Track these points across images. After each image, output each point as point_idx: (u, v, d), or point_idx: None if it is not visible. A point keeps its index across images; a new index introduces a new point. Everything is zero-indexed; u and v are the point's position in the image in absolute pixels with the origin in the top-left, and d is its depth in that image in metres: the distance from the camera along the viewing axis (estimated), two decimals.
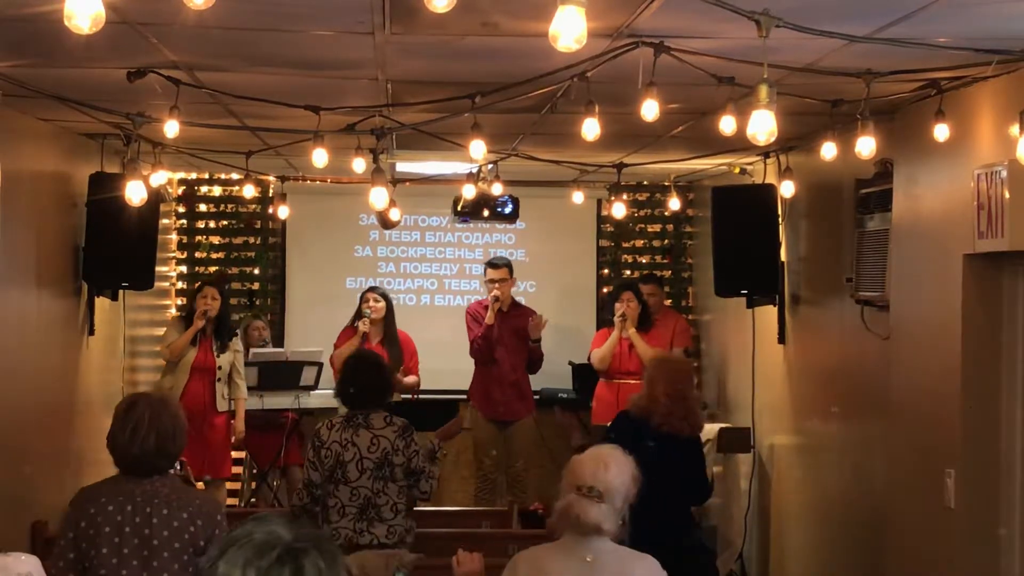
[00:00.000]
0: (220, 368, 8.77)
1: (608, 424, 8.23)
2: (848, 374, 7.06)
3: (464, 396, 9.51)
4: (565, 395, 10.33)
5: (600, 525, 3.97)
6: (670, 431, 6.36)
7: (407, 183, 10.07)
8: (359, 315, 9.15)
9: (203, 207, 10.98)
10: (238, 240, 10.98)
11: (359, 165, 6.63)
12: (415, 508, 6.27)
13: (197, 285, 9.30)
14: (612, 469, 4.04)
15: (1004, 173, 4.78)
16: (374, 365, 6.24)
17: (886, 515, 6.22)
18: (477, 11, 4.12)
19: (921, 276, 5.78)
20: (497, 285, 9.31)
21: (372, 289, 9.41)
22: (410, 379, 9.23)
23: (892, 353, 6.13)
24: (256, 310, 10.59)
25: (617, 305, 9.20)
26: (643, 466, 6.26)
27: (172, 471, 6.28)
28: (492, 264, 9.49)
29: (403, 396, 9.27)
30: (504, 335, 9.30)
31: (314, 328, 10.42)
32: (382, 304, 9.19)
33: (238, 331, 9.25)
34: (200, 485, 8.74)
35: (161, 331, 9.79)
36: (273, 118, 6.34)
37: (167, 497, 4.32)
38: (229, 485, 9.62)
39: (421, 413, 8.77)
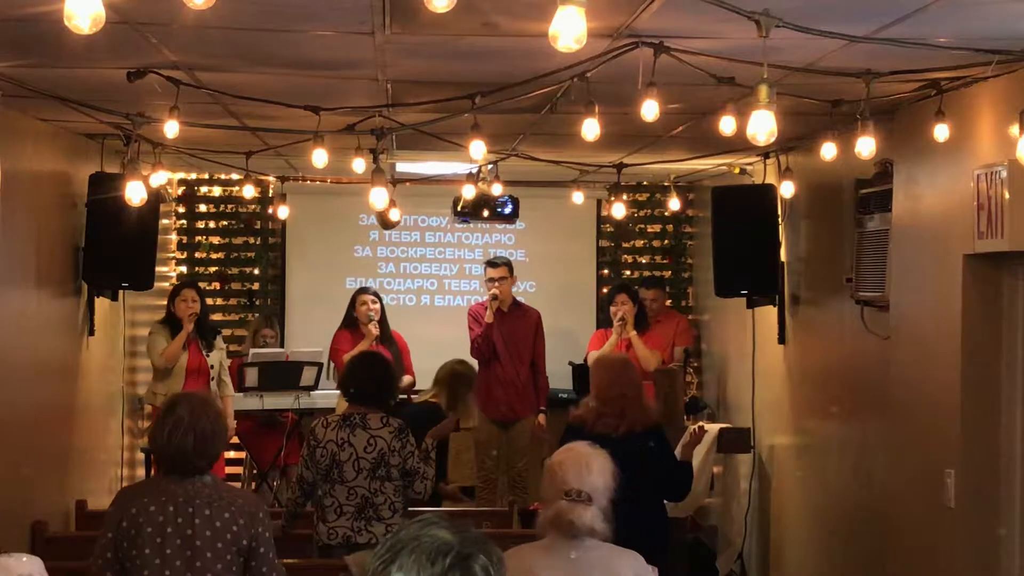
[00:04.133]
0: (213, 367, 8.75)
1: None
2: (848, 374, 7.06)
3: None
4: (565, 395, 10.32)
5: (593, 527, 3.97)
6: (605, 431, 6.21)
7: (407, 183, 10.08)
8: (352, 318, 9.14)
9: (203, 207, 10.98)
10: (238, 240, 10.98)
11: (359, 165, 6.63)
12: (415, 508, 6.25)
13: (172, 288, 9.23)
14: (595, 469, 4.02)
15: (1004, 173, 4.78)
16: (380, 365, 6.26)
17: (886, 515, 6.22)
18: (477, 11, 4.12)
19: (921, 276, 5.78)
20: (496, 284, 9.32)
21: (365, 291, 9.38)
22: (407, 379, 9.25)
23: (892, 353, 6.13)
24: (268, 311, 10.58)
25: (613, 308, 9.18)
26: None
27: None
28: (491, 263, 9.50)
29: (400, 396, 9.29)
30: (505, 335, 9.31)
31: (314, 328, 10.41)
32: (378, 305, 9.21)
33: (220, 330, 9.21)
34: None
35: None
36: (273, 118, 6.34)
37: (209, 497, 4.32)
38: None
39: (421, 414, 8.78)
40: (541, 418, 9.37)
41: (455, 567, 2.06)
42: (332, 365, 9.20)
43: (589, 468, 4.02)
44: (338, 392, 7.32)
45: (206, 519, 4.29)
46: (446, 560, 2.06)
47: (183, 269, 10.89)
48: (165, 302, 10.57)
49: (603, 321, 9.90)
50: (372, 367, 6.25)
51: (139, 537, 4.26)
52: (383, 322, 9.20)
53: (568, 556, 3.97)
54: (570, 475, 4.01)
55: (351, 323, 9.17)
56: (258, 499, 4.57)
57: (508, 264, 9.48)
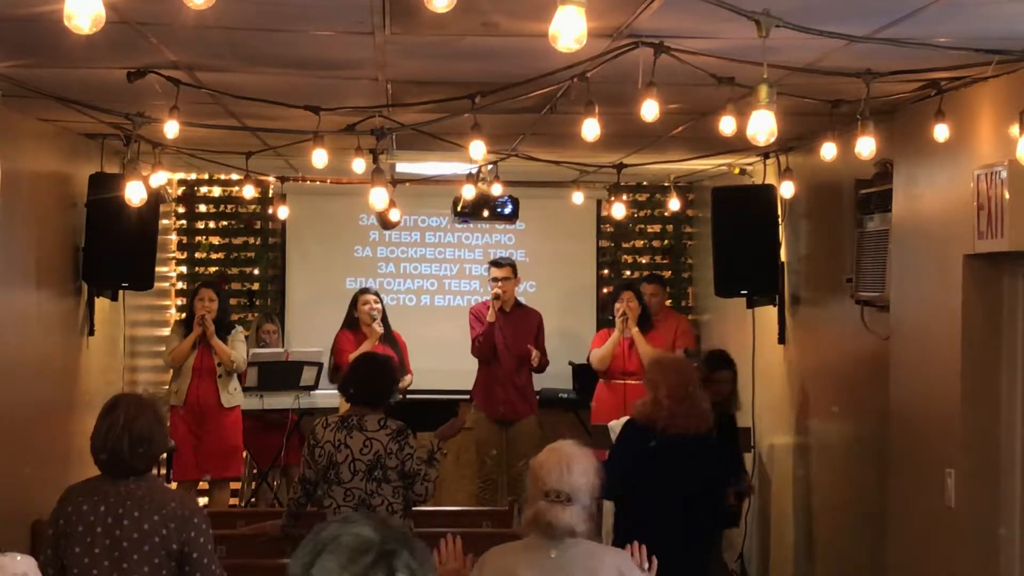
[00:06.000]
0: (220, 366, 8.77)
1: (607, 424, 8.23)
2: (848, 374, 7.06)
3: (465, 396, 9.51)
4: (565, 395, 10.33)
5: (573, 528, 3.95)
6: (677, 432, 6.28)
7: (407, 183, 10.08)
8: (353, 319, 9.13)
9: (203, 207, 10.98)
10: (238, 240, 10.98)
11: (359, 165, 6.63)
12: (415, 508, 6.25)
13: (195, 286, 9.29)
14: (576, 469, 4.00)
15: (1004, 173, 4.78)
16: (382, 367, 6.24)
17: (886, 515, 6.22)
18: (477, 11, 4.12)
19: (921, 276, 5.78)
20: (500, 284, 9.33)
21: (366, 291, 9.38)
22: (406, 379, 9.25)
23: (892, 353, 6.13)
24: (267, 310, 10.58)
25: (617, 305, 9.18)
26: (652, 470, 6.23)
27: None
28: (495, 263, 9.52)
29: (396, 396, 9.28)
30: (506, 335, 9.31)
31: (314, 328, 10.41)
32: (380, 305, 9.20)
33: (236, 327, 9.22)
34: (204, 484, 8.75)
35: (160, 331, 9.80)
36: (273, 118, 6.34)
37: (140, 499, 4.31)
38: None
39: (421, 413, 8.78)
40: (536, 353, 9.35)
41: (377, 564, 2.03)
42: (334, 365, 9.17)
43: (570, 468, 3.99)
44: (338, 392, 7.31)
45: (134, 521, 4.28)
46: (367, 558, 2.04)
47: (183, 269, 10.89)
48: (165, 302, 10.62)
49: (603, 321, 9.89)
50: (374, 368, 6.23)
51: (72, 536, 4.28)
52: (384, 322, 9.21)
53: (548, 555, 3.95)
54: (551, 475, 3.99)
55: (352, 324, 9.16)
56: (195, 505, 4.54)
57: (512, 265, 9.49)
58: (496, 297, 9.32)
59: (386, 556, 2.05)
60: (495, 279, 9.39)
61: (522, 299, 9.83)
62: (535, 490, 4.01)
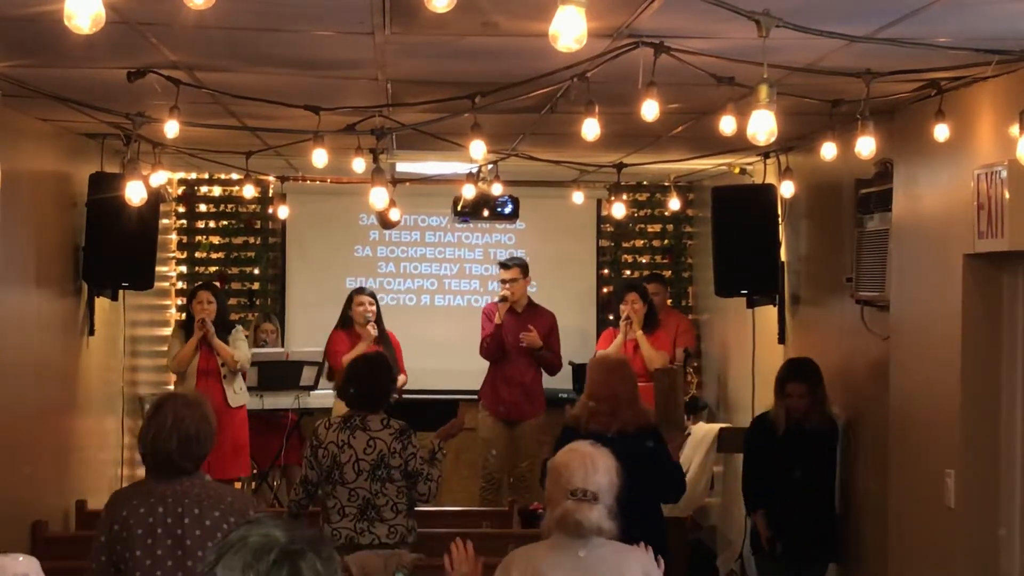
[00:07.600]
0: (224, 366, 8.77)
1: None
2: (848, 374, 7.05)
3: (465, 396, 9.52)
4: (565, 395, 10.31)
5: (601, 526, 3.98)
6: (597, 429, 6.23)
7: (407, 183, 10.08)
8: (348, 319, 9.11)
9: (203, 207, 10.99)
10: (238, 240, 10.99)
11: (359, 165, 6.63)
12: (416, 508, 6.26)
13: (191, 289, 9.28)
14: (600, 468, 4.03)
15: (1004, 173, 4.78)
16: (380, 368, 6.24)
17: (886, 515, 6.22)
18: (477, 11, 4.12)
19: (921, 276, 5.78)
20: (508, 285, 9.33)
21: (361, 291, 9.35)
22: (400, 379, 9.24)
23: (892, 353, 6.13)
24: (267, 309, 10.58)
25: (622, 307, 9.17)
26: None
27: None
28: (503, 264, 9.52)
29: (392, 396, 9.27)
30: (517, 335, 9.30)
31: (314, 328, 10.41)
32: (375, 307, 9.19)
33: (237, 326, 9.22)
34: None
35: (161, 331, 9.79)
36: (273, 118, 6.34)
37: (197, 496, 4.32)
38: None
39: (421, 413, 8.78)
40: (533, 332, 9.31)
41: (280, 564, 2.07)
42: (328, 367, 9.18)
43: (595, 467, 4.02)
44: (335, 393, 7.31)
45: (195, 518, 4.29)
46: (270, 556, 2.07)
47: (183, 269, 10.89)
48: (165, 302, 10.61)
49: (605, 321, 9.88)
50: (373, 369, 6.24)
51: (130, 539, 4.27)
52: (379, 322, 9.19)
53: (576, 554, 3.98)
54: (575, 475, 4.01)
55: (347, 323, 9.15)
56: (249, 497, 4.57)
57: (521, 265, 9.47)
58: (504, 299, 9.31)
59: (290, 556, 2.09)
60: (503, 280, 9.39)
61: None
62: (559, 490, 4.03)
